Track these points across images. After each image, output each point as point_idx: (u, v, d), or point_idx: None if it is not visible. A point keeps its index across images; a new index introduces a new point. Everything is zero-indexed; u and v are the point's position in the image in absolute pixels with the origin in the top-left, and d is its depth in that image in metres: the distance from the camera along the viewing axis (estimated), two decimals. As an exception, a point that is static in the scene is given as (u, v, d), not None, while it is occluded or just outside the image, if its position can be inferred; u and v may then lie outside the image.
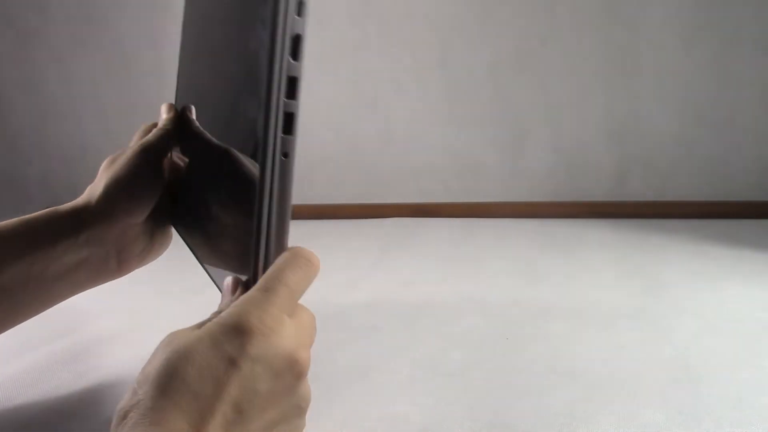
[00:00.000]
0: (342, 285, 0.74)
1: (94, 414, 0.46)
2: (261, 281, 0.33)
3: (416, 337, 0.59)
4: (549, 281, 0.74)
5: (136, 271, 0.48)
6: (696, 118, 1.03)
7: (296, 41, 0.31)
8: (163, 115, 0.48)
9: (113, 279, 0.47)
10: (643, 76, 1.04)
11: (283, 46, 0.31)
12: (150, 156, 0.45)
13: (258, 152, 0.32)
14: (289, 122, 0.32)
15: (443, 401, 0.46)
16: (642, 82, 1.04)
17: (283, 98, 0.32)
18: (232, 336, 0.29)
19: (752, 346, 0.53)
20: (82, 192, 0.48)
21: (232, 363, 0.28)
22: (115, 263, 0.46)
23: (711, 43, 0.99)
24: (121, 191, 0.44)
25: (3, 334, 0.64)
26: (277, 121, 0.32)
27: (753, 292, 0.66)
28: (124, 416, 0.28)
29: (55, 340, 0.62)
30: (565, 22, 1.05)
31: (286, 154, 0.32)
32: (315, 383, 0.51)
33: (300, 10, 0.31)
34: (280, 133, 0.32)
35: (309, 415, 0.45)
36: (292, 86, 0.32)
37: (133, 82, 1.34)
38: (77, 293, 0.46)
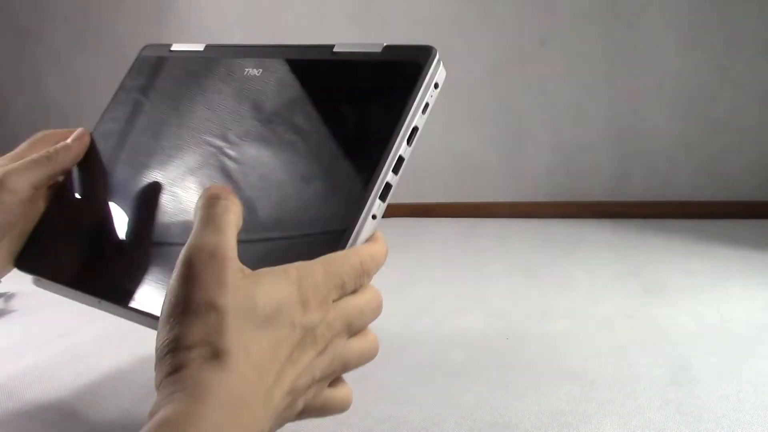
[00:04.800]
0: (342, 285, 0.74)
1: (93, 414, 0.46)
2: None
3: (416, 337, 0.59)
4: (549, 281, 0.74)
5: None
6: (696, 118, 1.03)
7: (414, 131, 0.37)
8: (73, 145, 0.45)
9: None
10: (643, 76, 1.04)
11: (406, 132, 0.36)
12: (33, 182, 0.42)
13: (351, 213, 0.35)
14: (386, 192, 0.36)
15: (443, 401, 0.46)
16: (642, 82, 1.04)
17: (390, 172, 0.36)
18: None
19: (752, 346, 0.53)
20: None
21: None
22: None
23: (711, 43, 0.99)
24: None
25: (3, 334, 0.64)
26: (379, 187, 0.36)
27: (753, 292, 0.66)
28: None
29: (55, 340, 0.62)
30: (565, 21, 1.05)
31: (374, 216, 0.36)
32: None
33: (425, 109, 0.37)
34: (377, 197, 0.36)
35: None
36: (399, 164, 0.37)
37: (133, 82, 1.34)
38: None
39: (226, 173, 0.41)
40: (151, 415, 0.25)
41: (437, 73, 0.37)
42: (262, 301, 0.28)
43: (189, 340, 0.27)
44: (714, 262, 0.77)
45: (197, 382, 0.25)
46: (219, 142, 0.42)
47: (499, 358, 0.53)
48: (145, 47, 0.51)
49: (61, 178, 0.46)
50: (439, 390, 0.48)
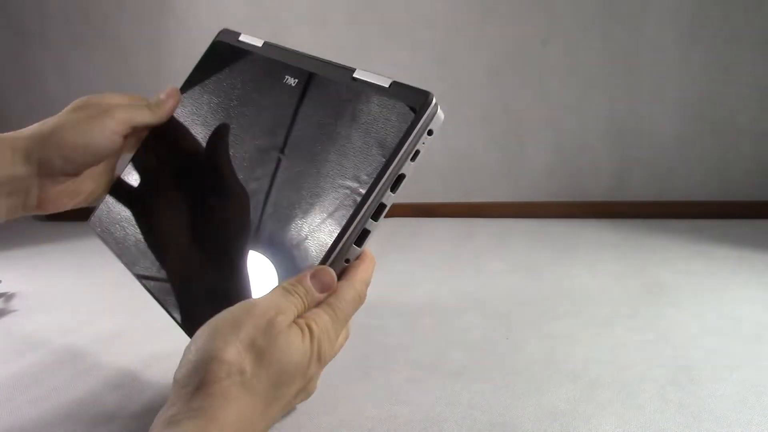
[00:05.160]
0: (342, 285, 0.74)
1: (93, 414, 0.46)
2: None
3: (416, 337, 0.59)
4: (549, 281, 0.74)
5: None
6: (696, 118, 1.03)
7: (399, 179, 0.35)
8: (167, 101, 0.47)
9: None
10: (643, 76, 1.04)
11: (390, 179, 0.35)
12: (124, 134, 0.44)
13: (324, 257, 0.35)
14: (362, 238, 0.36)
15: (443, 401, 0.46)
16: (642, 82, 1.04)
17: (369, 217, 0.35)
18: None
19: (752, 346, 0.53)
20: None
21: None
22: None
23: (711, 43, 0.99)
24: (77, 143, 0.42)
25: (3, 334, 0.64)
26: (353, 233, 0.35)
27: (753, 292, 0.66)
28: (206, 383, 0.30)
29: (55, 341, 0.62)
30: (565, 22, 1.05)
31: (348, 260, 0.36)
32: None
33: (414, 156, 0.35)
34: (352, 243, 0.35)
35: (309, 415, 0.45)
36: (380, 211, 0.35)
37: (133, 82, 1.34)
38: None
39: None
40: (168, 421, 0.28)
41: (432, 119, 0.36)
42: (292, 355, 0.32)
43: (228, 356, 0.30)
44: (714, 262, 0.77)
45: (220, 406, 0.29)
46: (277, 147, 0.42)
47: (499, 358, 0.53)
48: (221, 31, 0.50)
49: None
50: (439, 390, 0.48)
